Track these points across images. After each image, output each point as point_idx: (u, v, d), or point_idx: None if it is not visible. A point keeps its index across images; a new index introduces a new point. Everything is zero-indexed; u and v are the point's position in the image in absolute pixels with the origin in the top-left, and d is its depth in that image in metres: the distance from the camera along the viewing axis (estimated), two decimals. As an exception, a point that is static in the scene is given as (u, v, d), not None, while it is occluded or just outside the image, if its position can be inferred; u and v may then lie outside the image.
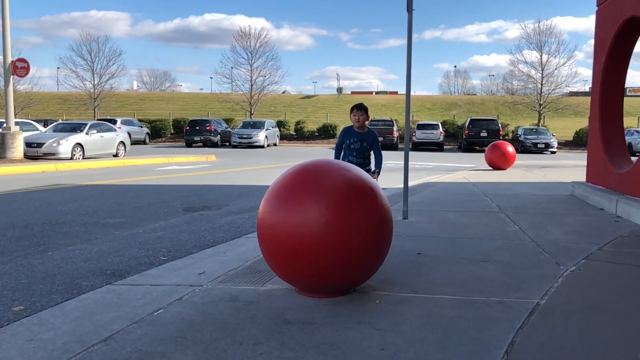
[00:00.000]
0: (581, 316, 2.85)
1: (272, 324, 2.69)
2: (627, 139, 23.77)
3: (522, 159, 19.35)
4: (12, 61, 16.74)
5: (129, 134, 23.16)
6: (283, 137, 36.07)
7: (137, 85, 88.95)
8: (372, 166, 5.40)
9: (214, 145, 30.25)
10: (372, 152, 5.37)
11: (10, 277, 3.95)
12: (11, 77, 16.71)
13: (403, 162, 6.26)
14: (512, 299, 3.10)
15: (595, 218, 6.16)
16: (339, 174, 3.09)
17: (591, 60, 8.22)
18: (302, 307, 2.95)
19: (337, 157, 5.35)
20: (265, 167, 15.77)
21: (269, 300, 3.07)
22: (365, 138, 5.25)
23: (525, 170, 13.80)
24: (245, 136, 29.31)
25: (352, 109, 5.29)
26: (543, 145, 28.80)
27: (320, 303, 3.01)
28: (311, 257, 2.88)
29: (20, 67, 17.08)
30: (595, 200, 7.18)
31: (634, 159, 7.28)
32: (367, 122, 5.32)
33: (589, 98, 8.71)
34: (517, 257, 4.16)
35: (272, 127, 32.69)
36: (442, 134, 30.90)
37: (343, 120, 39.83)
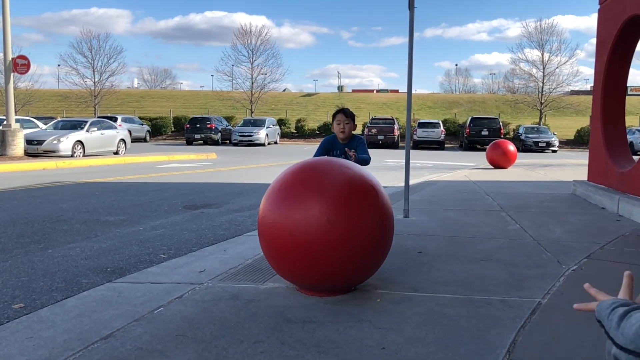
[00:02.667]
0: (583, 316, 2.81)
1: (272, 323, 2.68)
2: (629, 138, 23.73)
3: (523, 158, 19.32)
4: (12, 58, 16.73)
5: (130, 132, 23.13)
6: (284, 135, 36.06)
7: (138, 83, 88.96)
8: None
9: (215, 143, 30.24)
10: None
11: (10, 275, 3.94)
12: (12, 74, 16.70)
13: (404, 161, 6.24)
14: (514, 298, 3.09)
15: (597, 217, 6.15)
16: (340, 172, 3.08)
17: (592, 59, 8.20)
18: (302, 306, 2.94)
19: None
20: (266, 165, 15.76)
21: (270, 299, 3.06)
22: (350, 148, 4.27)
23: (526, 169, 13.78)
24: (246, 134, 29.29)
25: (334, 115, 4.33)
26: (544, 144, 28.77)
27: (321, 301, 3.00)
28: (312, 255, 2.87)
29: (20, 64, 17.08)
30: (596, 199, 7.16)
31: (635, 158, 7.27)
32: (354, 132, 4.36)
33: (590, 97, 8.69)
34: (518, 256, 4.15)
35: (273, 125, 32.67)
36: (443, 133, 30.85)
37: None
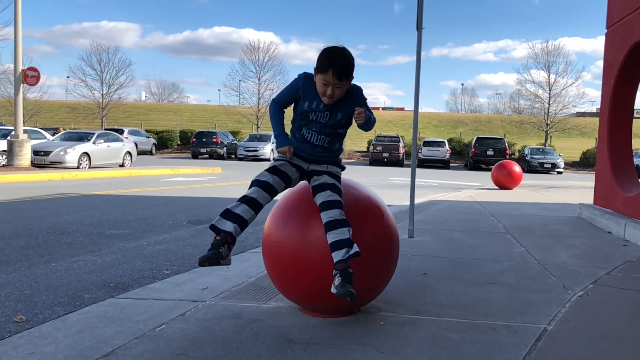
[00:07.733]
0: (589, 343, 2.80)
1: (275, 343, 2.66)
2: (635, 161, 23.68)
3: (528, 179, 19.27)
4: (22, 70, 16.90)
5: (136, 144, 23.28)
6: (289, 151, 36.11)
7: (145, 96, 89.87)
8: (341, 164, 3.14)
9: (220, 157, 30.37)
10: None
11: (13, 288, 3.93)
12: (21, 85, 16.86)
13: (409, 179, 6.24)
14: (519, 324, 3.06)
15: (603, 241, 6.10)
16: (346, 192, 3.07)
17: (598, 81, 8.23)
18: (305, 327, 2.91)
19: (279, 116, 3.08)
20: (271, 180, 15.75)
21: (273, 319, 3.04)
22: (340, 105, 2.83)
23: (531, 191, 13.73)
24: (252, 149, 29.41)
25: (321, 70, 2.71)
26: (549, 165, 28.75)
27: (324, 323, 2.98)
28: (316, 275, 2.85)
29: (30, 76, 17.25)
30: (602, 223, 7.12)
31: (642, 182, 7.23)
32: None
33: (596, 119, 8.70)
34: (523, 279, 4.11)
35: (279, 141, 32.73)
36: (448, 152, 30.93)
37: (349, 135, 39.83)
